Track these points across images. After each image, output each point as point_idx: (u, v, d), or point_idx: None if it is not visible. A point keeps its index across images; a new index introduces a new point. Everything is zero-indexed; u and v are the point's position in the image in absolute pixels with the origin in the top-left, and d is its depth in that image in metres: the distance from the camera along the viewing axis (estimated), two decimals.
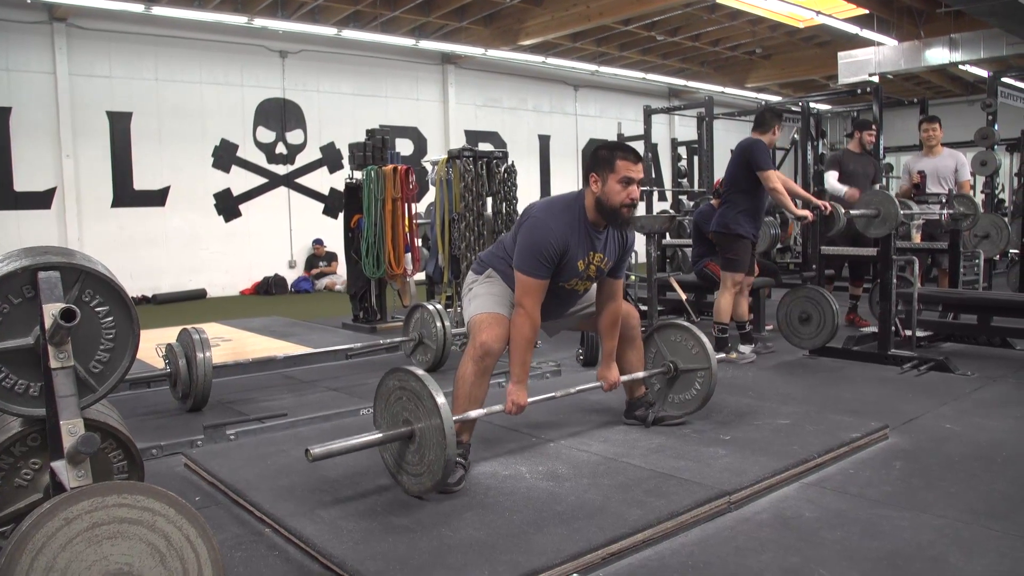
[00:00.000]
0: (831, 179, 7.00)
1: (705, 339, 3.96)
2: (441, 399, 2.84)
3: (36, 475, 2.48)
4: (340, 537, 2.64)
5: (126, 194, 11.41)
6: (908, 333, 5.81)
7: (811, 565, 2.50)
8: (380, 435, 3.01)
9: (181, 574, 1.94)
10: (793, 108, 10.54)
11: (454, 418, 2.93)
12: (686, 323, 4.07)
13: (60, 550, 1.82)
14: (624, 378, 3.78)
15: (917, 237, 7.27)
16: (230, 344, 6.83)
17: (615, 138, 10.46)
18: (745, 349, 5.77)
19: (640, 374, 3.88)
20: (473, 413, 3.23)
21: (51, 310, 2.13)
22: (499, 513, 2.82)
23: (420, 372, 2.97)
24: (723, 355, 5.67)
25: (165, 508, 1.94)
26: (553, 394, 3.71)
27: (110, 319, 2.44)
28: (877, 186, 6.81)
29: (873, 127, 7.08)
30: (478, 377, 3.30)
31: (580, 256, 3.38)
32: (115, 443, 2.57)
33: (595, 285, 3.67)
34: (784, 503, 3.04)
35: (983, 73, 12.39)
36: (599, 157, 3.35)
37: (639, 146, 11.00)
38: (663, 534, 2.72)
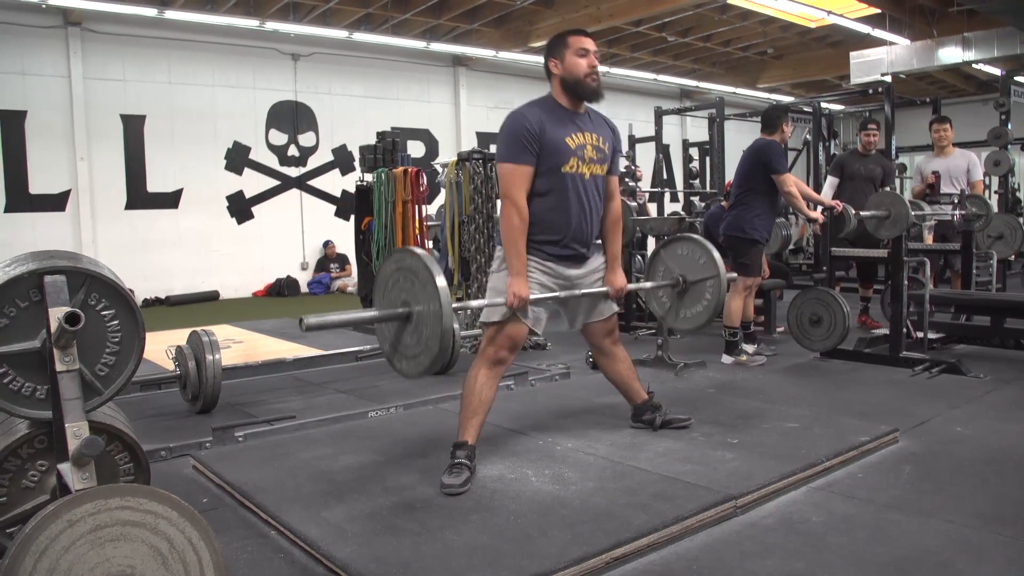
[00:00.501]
0: (826, 186, 6.87)
1: (711, 246, 3.95)
2: (441, 282, 2.82)
3: (43, 477, 2.50)
4: (344, 540, 2.64)
5: (139, 196, 11.48)
6: (920, 335, 5.78)
7: (816, 570, 2.49)
8: (377, 313, 3.02)
9: None
10: (805, 108, 10.51)
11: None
12: (690, 235, 4.07)
13: (63, 552, 1.82)
14: (620, 387, 3.78)
15: (929, 238, 7.23)
16: (241, 346, 6.86)
17: (626, 140, 10.43)
18: (749, 348, 5.76)
19: (631, 367, 3.87)
20: (474, 303, 3.30)
21: (56, 314, 2.14)
22: (504, 516, 2.82)
23: (417, 249, 2.98)
24: (733, 358, 5.66)
25: (168, 511, 1.95)
26: (556, 293, 3.47)
27: (116, 323, 2.45)
28: (887, 188, 6.72)
29: (871, 127, 6.88)
30: (489, 380, 3.33)
31: (565, 134, 3.36)
32: (121, 445, 2.59)
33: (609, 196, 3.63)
34: (791, 507, 3.03)
35: (997, 72, 12.29)
36: (552, 44, 3.46)
37: (650, 147, 11.00)
38: (668, 539, 2.71)
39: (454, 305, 2.91)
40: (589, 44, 3.41)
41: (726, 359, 5.66)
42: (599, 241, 3.68)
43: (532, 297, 3.29)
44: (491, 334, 3.36)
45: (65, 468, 2.16)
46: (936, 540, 2.68)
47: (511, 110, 3.46)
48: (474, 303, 3.27)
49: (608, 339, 3.76)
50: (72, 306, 2.25)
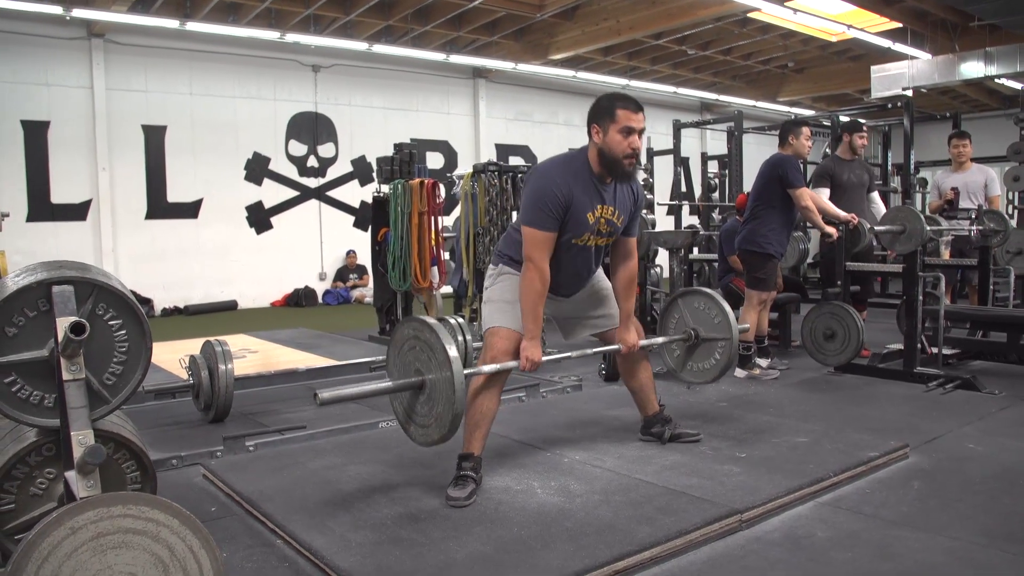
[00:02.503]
0: (825, 198, 5.93)
1: (729, 309, 3.95)
2: (453, 352, 2.87)
3: (51, 484, 2.53)
4: (348, 549, 2.66)
5: (160, 206, 11.61)
6: (935, 350, 5.73)
7: None
8: (391, 383, 3.05)
9: None
10: (824, 122, 10.48)
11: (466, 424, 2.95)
12: (710, 291, 4.06)
13: (65, 559, 1.85)
14: (637, 393, 3.79)
15: (946, 254, 7.17)
16: (256, 356, 6.90)
17: (645, 152, 10.43)
18: (763, 362, 5.74)
19: (651, 376, 3.86)
20: (486, 368, 3.22)
21: (63, 323, 2.18)
22: (508, 528, 2.82)
23: (433, 322, 3.00)
24: (747, 372, 5.64)
25: (169, 519, 1.97)
26: (569, 354, 3.65)
27: (123, 332, 2.48)
28: (875, 194, 6.51)
29: (865, 129, 6.48)
30: (490, 391, 3.31)
31: (588, 208, 3.33)
32: (128, 454, 2.62)
33: (612, 251, 3.65)
34: (797, 522, 3.02)
35: (1019, 86, 12.21)
36: (599, 107, 3.32)
37: (668, 160, 10.99)
38: (671, 552, 2.71)
39: (466, 371, 2.93)
40: (637, 123, 3.28)
41: (739, 373, 5.64)
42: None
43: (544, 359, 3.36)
44: (489, 345, 3.38)
45: (71, 476, 2.19)
46: (941, 557, 2.66)
47: (542, 163, 3.43)
48: (486, 368, 3.23)
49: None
50: (79, 316, 2.29)
